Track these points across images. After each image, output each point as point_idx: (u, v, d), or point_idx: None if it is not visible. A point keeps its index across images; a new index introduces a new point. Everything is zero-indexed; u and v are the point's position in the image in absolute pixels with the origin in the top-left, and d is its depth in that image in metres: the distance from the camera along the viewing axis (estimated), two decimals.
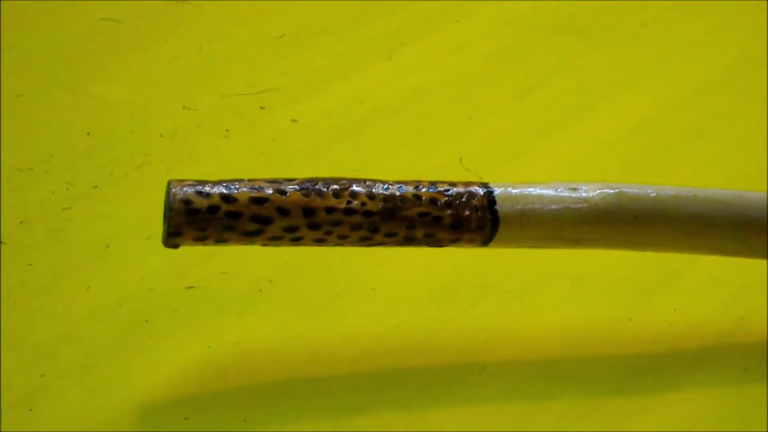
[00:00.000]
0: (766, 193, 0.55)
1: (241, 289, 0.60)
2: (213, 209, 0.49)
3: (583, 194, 0.53)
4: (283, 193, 0.50)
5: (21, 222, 0.64)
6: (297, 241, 0.51)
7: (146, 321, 0.58)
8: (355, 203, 0.51)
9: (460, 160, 0.70)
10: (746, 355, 0.57)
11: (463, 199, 0.52)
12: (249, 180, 0.51)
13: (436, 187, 0.52)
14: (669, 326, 0.59)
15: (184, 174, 0.68)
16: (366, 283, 0.60)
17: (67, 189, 0.67)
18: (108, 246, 0.62)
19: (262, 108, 0.75)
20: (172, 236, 0.50)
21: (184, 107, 0.75)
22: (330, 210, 0.51)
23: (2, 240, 0.63)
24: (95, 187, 0.67)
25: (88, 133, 0.72)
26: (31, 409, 0.53)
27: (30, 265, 0.61)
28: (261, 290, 0.60)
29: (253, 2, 0.87)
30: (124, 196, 0.67)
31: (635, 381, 0.55)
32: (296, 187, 0.51)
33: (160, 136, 0.72)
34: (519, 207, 0.53)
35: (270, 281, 0.60)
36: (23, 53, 0.80)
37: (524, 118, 0.76)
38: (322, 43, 0.82)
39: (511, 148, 0.73)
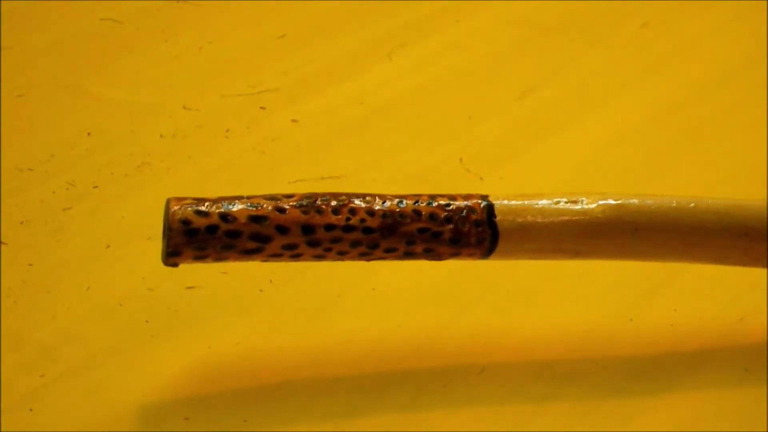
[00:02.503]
0: (765, 203, 0.55)
1: (241, 290, 0.60)
2: (212, 229, 0.49)
3: (584, 207, 0.53)
4: (282, 210, 0.50)
5: (21, 222, 0.64)
6: (296, 257, 0.51)
7: (146, 321, 0.58)
8: (355, 220, 0.51)
9: (461, 160, 0.70)
10: (746, 355, 0.57)
11: (463, 214, 0.52)
12: (248, 197, 0.51)
13: (436, 202, 0.52)
14: (669, 326, 0.59)
15: (184, 174, 0.68)
16: (366, 283, 0.60)
17: (67, 189, 0.67)
18: (108, 246, 0.62)
19: (262, 108, 0.75)
20: (171, 256, 0.50)
21: (184, 107, 0.75)
22: (329, 227, 0.51)
23: (2, 240, 0.63)
24: (95, 187, 0.67)
25: (89, 133, 0.72)
26: (31, 409, 0.53)
27: (30, 265, 0.61)
28: (261, 290, 0.60)
29: (254, 2, 0.87)
30: (124, 196, 0.67)
31: (635, 382, 0.55)
32: (295, 204, 0.51)
33: (161, 136, 0.72)
34: (519, 220, 0.52)
35: (270, 281, 0.60)
36: (23, 53, 0.80)
37: (525, 118, 0.76)
38: (323, 43, 0.82)
39: (512, 148, 0.72)
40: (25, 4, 0.85)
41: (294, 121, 0.74)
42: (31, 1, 0.85)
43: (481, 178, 0.68)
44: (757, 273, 0.59)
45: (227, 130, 0.73)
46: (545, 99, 0.77)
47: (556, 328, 0.58)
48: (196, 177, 0.68)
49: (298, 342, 0.57)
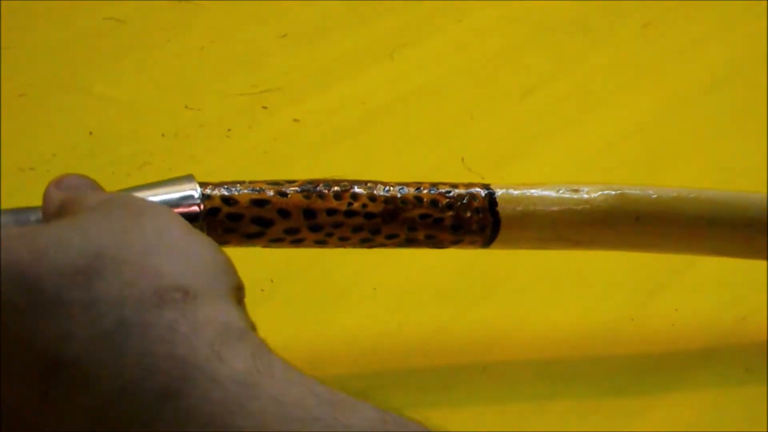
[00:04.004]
0: (767, 194, 0.55)
1: None
2: (214, 211, 0.50)
3: (585, 195, 0.53)
4: (284, 195, 0.51)
5: None
6: (298, 243, 0.51)
7: None
8: (357, 205, 0.51)
9: (462, 159, 0.70)
10: (748, 355, 0.57)
11: (464, 201, 0.52)
12: (250, 182, 0.51)
13: (438, 189, 0.52)
14: (671, 326, 0.59)
15: (185, 173, 0.68)
16: (368, 283, 0.60)
17: None
18: None
19: (264, 108, 0.75)
20: None
21: (186, 107, 0.75)
22: (331, 212, 0.51)
23: None
24: None
25: (91, 133, 0.72)
26: None
27: None
28: (262, 290, 0.60)
29: (256, 2, 0.87)
30: None
31: (637, 381, 0.55)
32: (297, 189, 0.51)
33: (162, 135, 0.72)
34: (520, 208, 0.53)
35: (271, 281, 0.60)
36: (25, 53, 0.80)
37: (526, 117, 0.76)
38: (325, 42, 0.82)
39: (513, 147, 0.73)
40: (26, 4, 0.85)
41: (296, 120, 0.74)
42: (32, 0, 0.85)
43: (483, 178, 0.68)
44: (758, 273, 0.59)
45: (229, 130, 0.73)
46: (547, 98, 0.77)
47: (557, 328, 0.58)
48: (197, 176, 0.68)
49: (300, 342, 0.57)
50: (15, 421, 0.42)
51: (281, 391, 0.39)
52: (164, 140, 0.72)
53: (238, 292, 0.44)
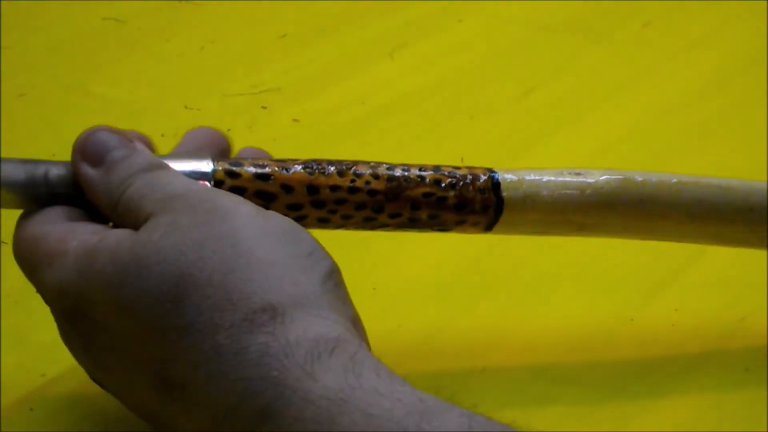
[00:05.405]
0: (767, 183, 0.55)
1: None
2: (217, 184, 0.50)
3: (588, 179, 0.53)
4: (287, 170, 0.51)
5: None
6: (301, 220, 0.51)
7: None
8: (360, 182, 0.51)
9: (462, 159, 0.70)
10: (747, 355, 0.57)
11: (467, 181, 0.52)
12: (253, 158, 0.51)
13: (441, 170, 0.53)
14: (670, 327, 0.59)
15: None
16: (367, 283, 0.60)
17: None
18: None
19: (263, 108, 0.75)
20: None
21: (185, 107, 0.75)
22: (334, 188, 0.51)
23: (3, 240, 0.62)
24: None
25: None
26: (31, 409, 0.53)
27: None
28: None
29: (255, 2, 0.87)
30: None
31: (635, 382, 0.55)
32: (300, 166, 0.51)
33: (162, 135, 0.72)
34: (523, 190, 0.53)
35: None
36: (25, 52, 0.80)
37: (526, 117, 0.76)
38: (324, 42, 0.82)
39: (513, 147, 0.73)
40: (26, 4, 0.85)
41: (295, 120, 0.74)
42: (32, 0, 0.85)
43: None
44: (758, 273, 0.59)
45: (228, 130, 0.72)
46: (547, 98, 0.78)
47: (556, 329, 0.58)
48: None
49: None
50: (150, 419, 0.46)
51: (371, 403, 0.40)
52: (164, 140, 0.71)
53: (330, 278, 0.44)
